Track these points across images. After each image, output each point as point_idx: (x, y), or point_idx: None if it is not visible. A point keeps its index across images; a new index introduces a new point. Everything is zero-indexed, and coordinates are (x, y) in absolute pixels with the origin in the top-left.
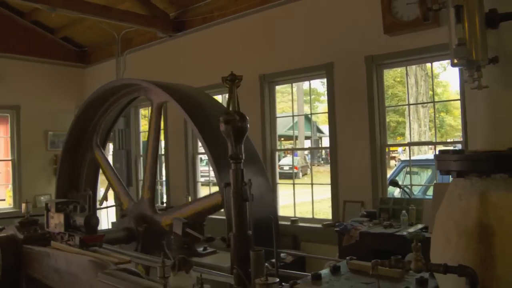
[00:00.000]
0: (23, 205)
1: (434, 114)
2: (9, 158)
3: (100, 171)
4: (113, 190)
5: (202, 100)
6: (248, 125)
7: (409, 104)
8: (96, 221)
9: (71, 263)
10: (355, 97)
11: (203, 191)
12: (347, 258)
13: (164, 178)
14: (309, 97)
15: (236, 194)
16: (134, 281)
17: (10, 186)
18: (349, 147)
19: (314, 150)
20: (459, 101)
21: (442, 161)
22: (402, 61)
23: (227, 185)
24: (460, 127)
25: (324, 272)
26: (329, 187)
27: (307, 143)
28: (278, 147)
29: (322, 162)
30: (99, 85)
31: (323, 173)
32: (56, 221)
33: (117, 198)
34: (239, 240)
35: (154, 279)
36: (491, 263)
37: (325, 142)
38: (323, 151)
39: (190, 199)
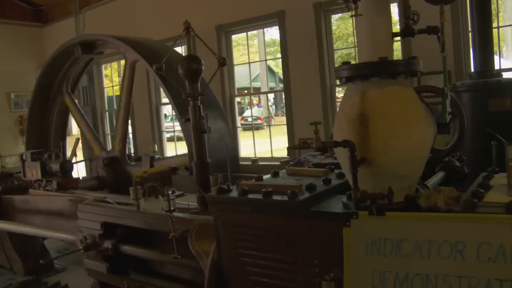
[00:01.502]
0: None
1: None
2: None
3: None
4: (84, 136)
5: (159, 49)
6: (203, 68)
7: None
8: (71, 165)
9: (52, 204)
10: (306, 42)
11: (168, 147)
12: (286, 166)
13: (130, 130)
14: (271, 48)
15: (195, 127)
16: (111, 206)
17: None
18: (301, 89)
19: (275, 97)
20: None
21: (337, 71)
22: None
23: (187, 120)
24: None
25: (266, 176)
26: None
27: (271, 95)
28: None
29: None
30: (59, 44)
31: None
32: (33, 169)
33: (87, 150)
34: (200, 167)
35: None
36: (367, 138)
37: None
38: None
39: (156, 147)
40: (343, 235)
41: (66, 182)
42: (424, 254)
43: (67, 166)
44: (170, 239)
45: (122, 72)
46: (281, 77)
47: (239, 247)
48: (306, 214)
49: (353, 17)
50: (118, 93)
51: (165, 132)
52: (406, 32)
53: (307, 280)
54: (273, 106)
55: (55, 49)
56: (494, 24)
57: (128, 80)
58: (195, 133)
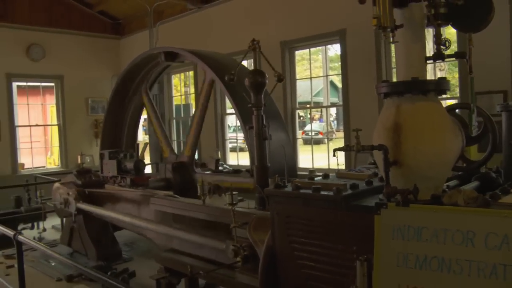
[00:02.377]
0: (79, 157)
1: None
2: (56, 123)
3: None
4: (156, 135)
5: (227, 63)
6: (267, 81)
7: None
8: (144, 165)
9: (124, 198)
10: (365, 59)
11: (231, 157)
12: (337, 170)
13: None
14: (335, 64)
15: (257, 134)
16: (180, 200)
17: (49, 153)
18: (359, 103)
19: (337, 112)
20: None
21: (378, 88)
22: None
23: (250, 128)
24: None
25: (317, 178)
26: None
27: (333, 110)
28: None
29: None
30: (134, 55)
31: None
32: (110, 167)
33: (153, 155)
34: (261, 170)
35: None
36: (399, 144)
37: None
38: None
39: (219, 154)
40: (375, 223)
41: (138, 179)
42: (440, 240)
43: (140, 165)
44: (231, 229)
45: (188, 82)
46: None
47: (291, 234)
48: (348, 207)
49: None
50: (184, 102)
51: (228, 141)
52: (437, 56)
53: (345, 264)
54: (335, 122)
55: (133, 58)
56: None
57: (205, 96)
58: (257, 139)
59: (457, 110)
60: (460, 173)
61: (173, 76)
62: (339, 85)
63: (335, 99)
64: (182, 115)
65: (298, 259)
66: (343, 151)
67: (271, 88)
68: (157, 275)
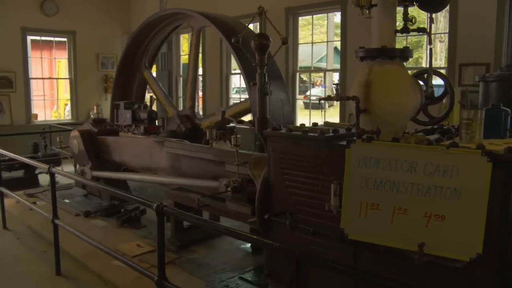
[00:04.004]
0: (95, 107)
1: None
2: (67, 77)
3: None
4: (160, 102)
5: (235, 26)
6: (270, 43)
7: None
8: (156, 115)
9: (139, 144)
10: (365, 29)
11: None
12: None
13: (201, 95)
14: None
15: (260, 90)
16: (189, 144)
17: (55, 107)
18: (357, 69)
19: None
20: None
21: (356, 52)
22: None
23: (254, 84)
24: None
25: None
26: None
27: (336, 76)
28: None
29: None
30: (144, 13)
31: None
32: (124, 116)
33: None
34: (260, 120)
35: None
36: (369, 95)
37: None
38: None
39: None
40: (345, 154)
41: (151, 128)
42: (392, 168)
43: (153, 115)
44: (235, 165)
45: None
46: None
47: (283, 167)
48: (328, 145)
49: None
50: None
51: (232, 99)
52: (404, 30)
53: (325, 190)
54: (337, 87)
55: (143, 17)
56: None
57: (195, 46)
58: (259, 94)
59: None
60: (427, 127)
61: (181, 36)
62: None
63: (338, 65)
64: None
65: (288, 187)
66: (326, 100)
67: (274, 51)
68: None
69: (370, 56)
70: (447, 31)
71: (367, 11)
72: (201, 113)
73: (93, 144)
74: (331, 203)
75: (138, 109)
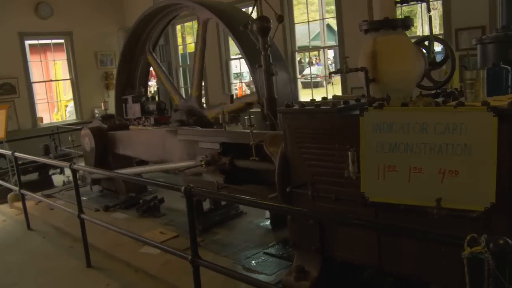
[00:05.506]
0: (102, 104)
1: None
2: (68, 77)
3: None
4: (165, 87)
5: (234, 13)
6: (272, 26)
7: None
8: (165, 105)
9: (151, 136)
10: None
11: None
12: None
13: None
14: (331, 7)
15: (266, 71)
16: (203, 130)
17: (56, 109)
18: (354, 43)
19: (335, 55)
20: None
21: (360, 25)
22: None
23: (259, 66)
24: None
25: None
26: None
27: (331, 53)
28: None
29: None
30: (137, 8)
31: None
32: (133, 109)
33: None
34: (269, 101)
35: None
36: (376, 65)
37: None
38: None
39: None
40: (359, 122)
41: (161, 119)
42: (405, 130)
43: (162, 106)
44: (250, 146)
45: (194, 32)
46: None
47: (299, 141)
48: (341, 117)
49: None
50: (190, 50)
51: (233, 84)
52: (403, 1)
53: (341, 159)
54: (333, 65)
55: (137, 11)
56: None
57: (202, 36)
58: (266, 76)
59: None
60: (432, 91)
61: (177, 27)
62: (336, 28)
63: (332, 42)
64: (188, 63)
65: (306, 160)
66: (336, 73)
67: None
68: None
69: (374, 28)
70: None
71: None
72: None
73: (104, 140)
74: (350, 170)
75: (146, 101)
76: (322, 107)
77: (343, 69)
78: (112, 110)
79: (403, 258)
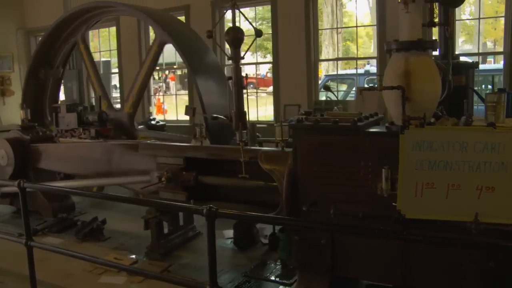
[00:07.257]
0: (22, 112)
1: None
2: None
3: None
4: (94, 90)
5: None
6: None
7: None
8: (107, 116)
9: (94, 150)
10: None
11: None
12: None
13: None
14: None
15: (236, 84)
16: (169, 144)
17: None
18: (288, 61)
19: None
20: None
21: (388, 44)
22: None
23: (229, 78)
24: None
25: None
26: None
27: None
28: None
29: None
30: (40, 7)
31: None
32: (67, 120)
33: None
34: (238, 116)
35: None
36: (409, 85)
37: None
38: None
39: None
40: (399, 140)
41: (104, 131)
42: (445, 149)
43: (104, 117)
44: (241, 162)
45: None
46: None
47: (313, 158)
48: (365, 134)
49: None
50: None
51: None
52: (430, 24)
53: (367, 177)
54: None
55: (38, 10)
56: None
57: (154, 56)
58: (236, 89)
59: None
60: None
61: (90, 32)
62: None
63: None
64: (102, 72)
65: (321, 177)
66: (369, 90)
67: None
68: (147, 215)
69: (405, 48)
70: None
71: (408, 7)
72: None
73: (25, 153)
74: (383, 187)
75: (84, 111)
76: (340, 123)
77: (378, 86)
78: (7, 121)
79: (431, 274)
